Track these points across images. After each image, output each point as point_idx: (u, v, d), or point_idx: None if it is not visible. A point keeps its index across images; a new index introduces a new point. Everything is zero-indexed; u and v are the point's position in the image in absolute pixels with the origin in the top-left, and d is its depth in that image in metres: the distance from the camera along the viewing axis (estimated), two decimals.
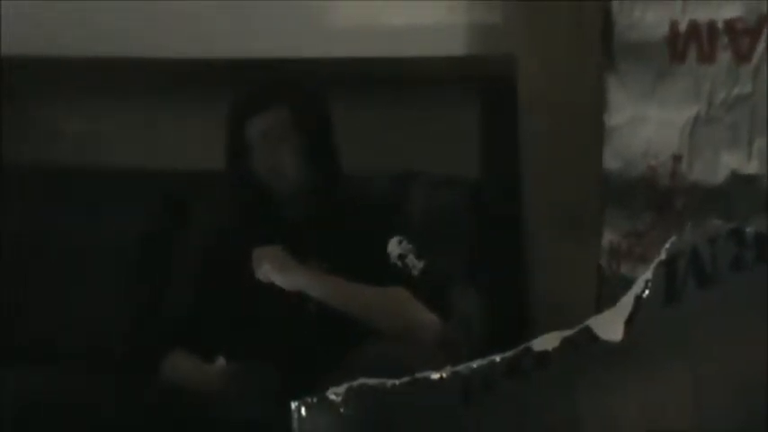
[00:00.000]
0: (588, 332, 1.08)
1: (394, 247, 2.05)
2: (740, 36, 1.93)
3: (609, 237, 2.16)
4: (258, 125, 2.07)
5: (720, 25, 1.94)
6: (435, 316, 1.99)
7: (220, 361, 1.99)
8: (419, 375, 1.00)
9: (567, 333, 1.08)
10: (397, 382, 0.99)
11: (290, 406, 0.96)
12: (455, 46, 2.49)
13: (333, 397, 0.96)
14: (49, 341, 2.48)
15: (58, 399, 1.98)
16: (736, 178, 1.95)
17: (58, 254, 2.56)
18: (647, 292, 1.11)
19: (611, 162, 2.14)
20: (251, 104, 2.10)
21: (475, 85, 2.47)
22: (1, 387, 2.06)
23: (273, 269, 2.00)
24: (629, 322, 1.10)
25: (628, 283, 1.16)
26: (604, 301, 1.15)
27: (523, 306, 2.48)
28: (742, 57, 1.93)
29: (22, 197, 2.64)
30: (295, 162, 2.08)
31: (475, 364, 1.02)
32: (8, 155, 2.76)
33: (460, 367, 1.01)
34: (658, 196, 2.05)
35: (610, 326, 1.10)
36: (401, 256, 2.04)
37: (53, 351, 2.43)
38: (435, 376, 1.00)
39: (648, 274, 1.12)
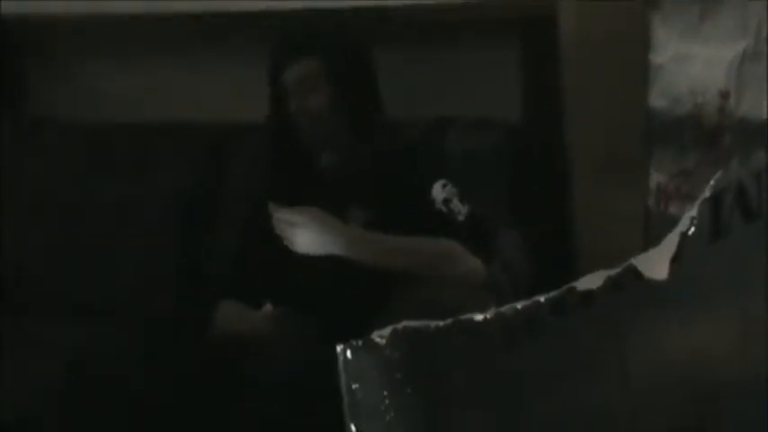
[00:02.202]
0: (633, 271, 1.08)
1: (438, 191, 2.04)
2: None
3: (656, 178, 2.14)
4: (292, 73, 2.08)
5: None
6: (481, 262, 1.99)
7: (267, 307, 2.01)
8: (463, 317, 1.00)
9: (612, 272, 1.08)
10: (441, 323, 0.99)
11: (335, 349, 0.97)
12: None
13: (378, 339, 0.97)
14: (97, 296, 2.52)
15: (110, 352, 2.02)
16: None
17: (102, 209, 2.59)
18: (692, 229, 1.09)
19: (656, 100, 2.12)
20: (285, 53, 2.10)
21: (516, 28, 2.44)
22: (54, 343, 2.11)
23: (307, 239, 1.95)
24: (675, 260, 1.09)
25: (676, 223, 1.15)
26: (652, 242, 1.14)
27: (569, 249, 2.47)
28: None
29: (66, 154, 2.67)
30: (330, 109, 2.08)
31: (519, 305, 1.02)
32: (50, 112, 2.80)
33: (504, 308, 1.01)
34: (705, 134, 2.03)
35: (655, 264, 1.09)
36: (446, 201, 2.03)
37: (101, 306, 2.47)
38: (479, 317, 1.00)
39: (694, 211, 1.11)
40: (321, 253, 1.97)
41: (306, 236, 1.96)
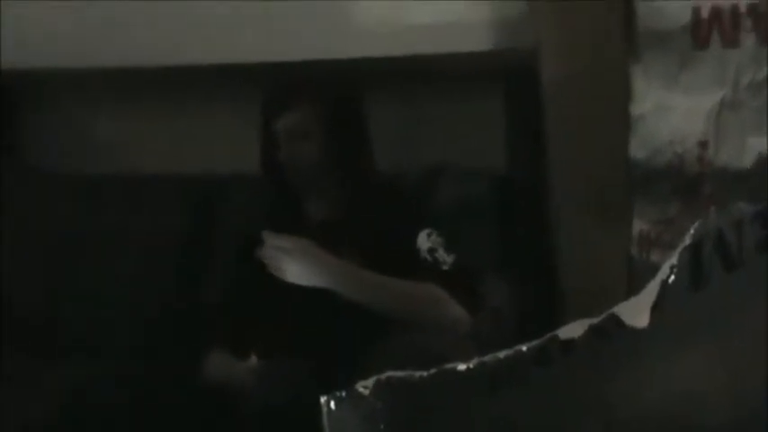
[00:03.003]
0: (614, 319, 1.09)
1: (423, 240, 2.05)
2: (763, 18, 1.93)
3: (638, 225, 2.16)
4: (284, 124, 2.11)
5: (743, 9, 1.94)
6: (466, 310, 2.00)
7: (253, 359, 2.01)
8: (447, 366, 1.01)
9: (594, 321, 1.09)
10: (424, 373, 1.00)
11: (319, 400, 0.98)
12: (479, 41, 2.50)
13: (361, 390, 0.98)
14: (87, 343, 2.52)
15: (96, 398, 2.02)
16: (764, 161, 1.95)
17: (94, 258, 2.60)
18: (672, 277, 1.11)
19: (637, 151, 2.14)
20: (277, 104, 2.13)
21: (499, 79, 2.47)
22: (40, 386, 2.11)
23: (298, 269, 1.97)
24: (656, 308, 1.10)
25: (657, 271, 1.16)
26: (636, 290, 1.15)
27: (555, 297, 2.48)
28: (766, 39, 1.93)
29: (60, 204, 2.69)
30: (320, 159, 2.10)
31: (502, 354, 1.03)
32: (43, 163, 2.81)
33: (487, 357, 1.02)
34: (686, 183, 2.05)
35: (636, 312, 1.10)
36: (431, 250, 2.05)
37: (92, 352, 2.48)
38: (462, 367, 1.01)
39: (674, 260, 1.12)
40: (311, 284, 1.97)
41: (297, 265, 1.97)
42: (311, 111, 2.10)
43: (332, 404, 0.98)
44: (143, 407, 1.99)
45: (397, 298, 1.98)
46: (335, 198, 2.13)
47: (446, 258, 2.05)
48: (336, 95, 2.17)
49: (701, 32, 2.00)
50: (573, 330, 1.07)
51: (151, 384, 2.12)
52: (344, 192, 2.13)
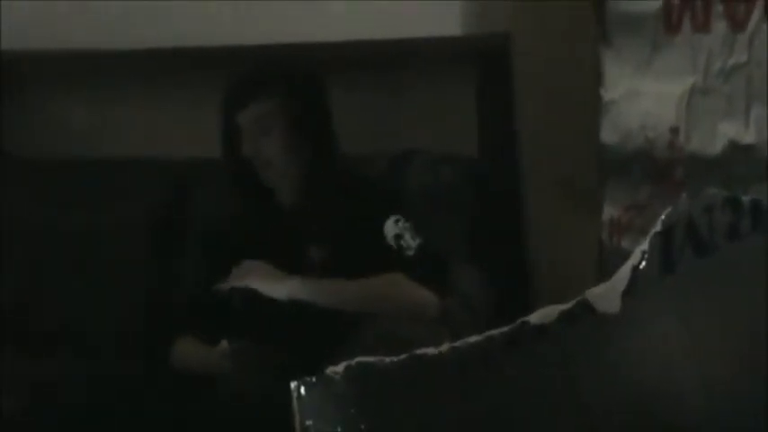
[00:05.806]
0: (585, 304, 1.09)
1: (391, 227, 2.06)
2: (735, 4, 1.93)
3: (609, 210, 2.16)
4: (247, 116, 2.09)
5: None
6: (432, 294, 2.00)
7: (223, 343, 2.01)
8: (417, 352, 1.01)
9: (565, 306, 1.09)
10: (395, 358, 1.00)
11: (289, 385, 0.97)
12: (450, 25, 2.49)
13: (332, 375, 0.97)
14: (58, 330, 2.50)
15: (69, 386, 2.01)
16: (734, 148, 1.96)
17: (65, 245, 2.58)
18: (643, 262, 1.11)
19: (608, 136, 2.14)
20: (240, 96, 2.10)
21: (471, 64, 2.47)
22: (13, 376, 2.10)
23: (261, 284, 2.02)
24: (627, 293, 1.10)
25: (628, 257, 1.16)
26: (606, 275, 1.15)
27: (526, 282, 2.49)
28: (737, 25, 1.93)
29: (31, 189, 2.66)
30: (286, 150, 2.09)
31: (472, 340, 1.03)
32: (17, 148, 2.79)
33: (458, 343, 1.02)
34: (657, 168, 2.06)
35: (607, 298, 1.10)
36: (397, 237, 2.05)
37: (63, 339, 2.46)
38: (433, 352, 1.01)
39: (645, 245, 1.13)
40: (273, 296, 2.01)
41: (256, 280, 2.02)
42: (274, 104, 2.08)
43: (302, 389, 0.98)
44: (114, 394, 1.98)
45: (359, 298, 1.99)
46: (303, 186, 2.12)
47: (411, 244, 2.05)
48: (299, 85, 2.15)
49: (672, 17, 2.00)
50: (544, 316, 1.08)
51: (122, 371, 2.11)
52: (312, 180, 2.12)
